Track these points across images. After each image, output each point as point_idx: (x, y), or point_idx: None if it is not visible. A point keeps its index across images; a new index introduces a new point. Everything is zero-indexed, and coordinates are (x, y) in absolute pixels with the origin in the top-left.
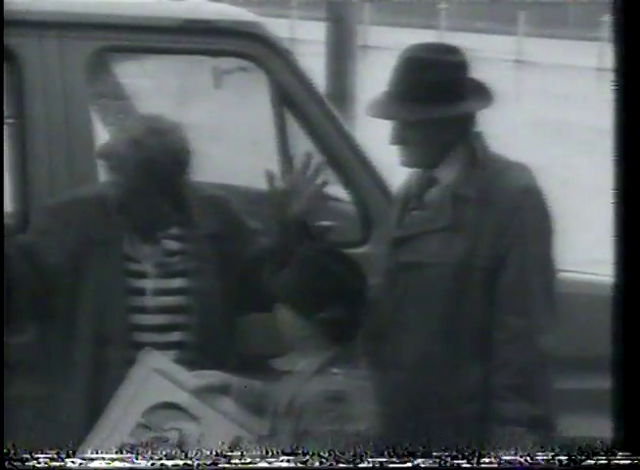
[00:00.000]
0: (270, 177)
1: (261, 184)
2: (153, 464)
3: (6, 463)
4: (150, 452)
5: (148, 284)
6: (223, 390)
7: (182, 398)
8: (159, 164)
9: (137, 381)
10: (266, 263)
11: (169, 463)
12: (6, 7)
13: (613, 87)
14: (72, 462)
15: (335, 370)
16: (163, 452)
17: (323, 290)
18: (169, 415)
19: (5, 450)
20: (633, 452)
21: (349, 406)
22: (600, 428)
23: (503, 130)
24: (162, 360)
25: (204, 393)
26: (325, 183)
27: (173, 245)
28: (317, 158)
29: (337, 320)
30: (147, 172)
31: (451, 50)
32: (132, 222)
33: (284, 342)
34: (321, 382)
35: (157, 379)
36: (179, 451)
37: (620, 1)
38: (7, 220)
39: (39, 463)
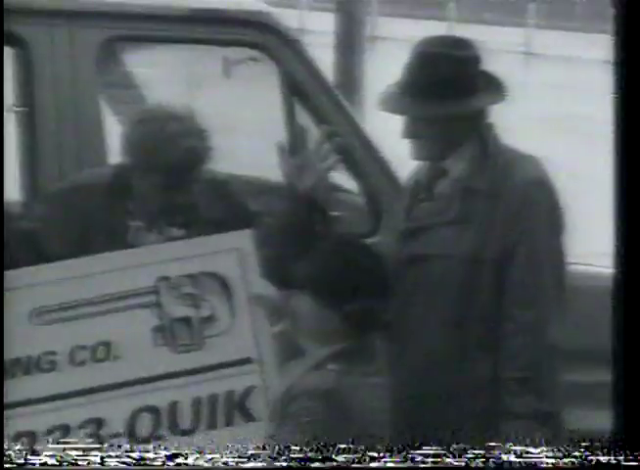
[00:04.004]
0: (282, 151)
1: (269, 173)
2: (156, 464)
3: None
4: (152, 453)
5: None
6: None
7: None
8: (178, 156)
9: None
10: (275, 244)
11: (172, 464)
12: None
13: (613, 79)
14: (72, 461)
15: (331, 367)
16: (166, 454)
17: (351, 282)
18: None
19: (5, 450)
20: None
21: (338, 407)
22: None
23: (511, 122)
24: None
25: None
26: (337, 162)
27: (177, 233)
28: (329, 137)
29: (364, 313)
30: (165, 162)
31: (464, 44)
32: (141, 210)
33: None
34: (315, 378)
35: None
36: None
37: None
38: (15, 208)
39: (39, 463)
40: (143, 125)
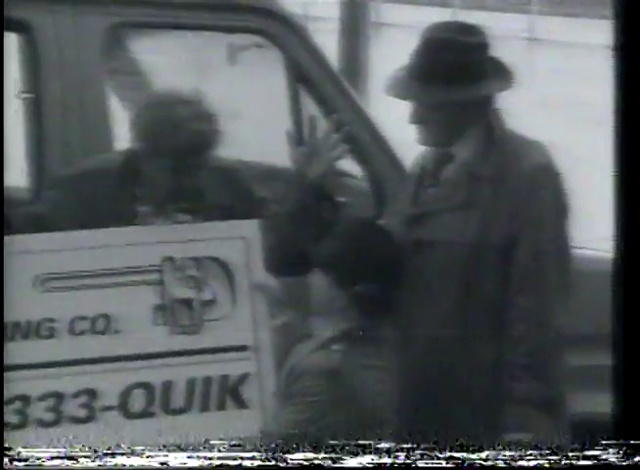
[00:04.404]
0: (291, 139)
1: (274, 159)
2: (155, 464)
3: (6, 462)
4: (151, 452)
5: None
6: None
7: None
8: (186, 139)
9: None
10: (281, 229)
11: (171, 463)
12: None
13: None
14: (72, 462)
15: (335, 347)
16: (166, 452)
17: (362, 264)
18: None
19: (5, 450)
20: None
21: (341, 387)
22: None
23: (516, 108)
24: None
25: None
26: (345, 151)
27: (184, 218)
28: (338, 126)
29: (372, 295)
30: (173, 146)
31: (473, 30)
32: (149, 195)
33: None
34: (319, 357)
35: None
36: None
37: None
38: (23, 193)
39: (39, 463)
40: (151, 109)
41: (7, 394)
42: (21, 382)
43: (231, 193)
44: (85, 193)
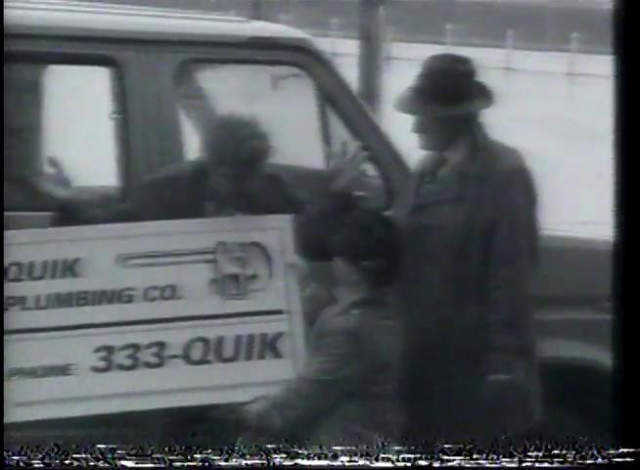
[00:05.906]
0: (328, 160)
1: (306, 164)
2: (155, 464)
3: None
4: (153, 454)
5: None
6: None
7: None
8: (244, 153)
9: None
10: (318, 225)
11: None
12: (114, 26)
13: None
14: (71, 462)
15: (354, 311)
16: (169, 454)
17: (368, 245)
18: None
19: (5, 450)
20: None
21: (359, 343)
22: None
23: (496, 122)
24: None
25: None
26: (364, 170)
27: (240, 214)
28: (361, 151)
29: (377, 269)
30: (234, 158)
31: (463, 60)
32: (214, 196)
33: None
34: (341, 320)
35: None
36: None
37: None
38: (112, 192)
39: (39, 463)
40: (217, 130)
41: (93, 344)
42: (105, 335)
43: (276, 195)
44: (166, 193)
